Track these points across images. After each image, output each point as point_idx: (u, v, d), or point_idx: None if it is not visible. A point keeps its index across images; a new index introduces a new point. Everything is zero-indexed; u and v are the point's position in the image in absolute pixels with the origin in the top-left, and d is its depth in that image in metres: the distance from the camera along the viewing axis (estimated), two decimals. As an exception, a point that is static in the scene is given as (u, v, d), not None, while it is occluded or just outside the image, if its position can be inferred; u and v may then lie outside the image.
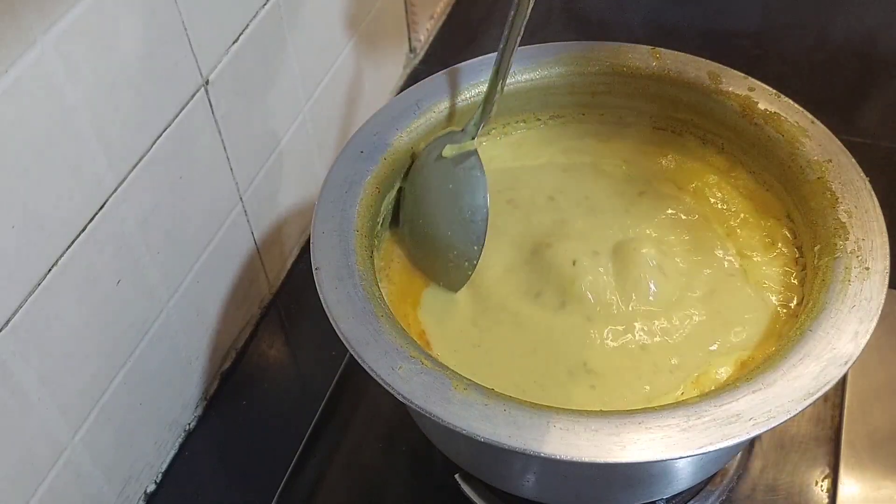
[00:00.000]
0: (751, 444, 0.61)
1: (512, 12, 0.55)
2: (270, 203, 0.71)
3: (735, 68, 0.61)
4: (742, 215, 0.59)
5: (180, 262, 0.61)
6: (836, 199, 0.53)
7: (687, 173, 0.62)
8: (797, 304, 0.54)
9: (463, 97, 0.61)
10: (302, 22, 0.68)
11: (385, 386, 0.46)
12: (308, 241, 0.69)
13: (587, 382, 0.51)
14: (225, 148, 0.62)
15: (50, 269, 0.48)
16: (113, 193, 0.52)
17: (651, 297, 0.55)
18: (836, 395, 0.63)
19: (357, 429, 0.65)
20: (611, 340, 0.53)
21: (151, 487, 0.63)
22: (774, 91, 0.59)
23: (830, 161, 0.55)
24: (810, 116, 0.58)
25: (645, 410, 0.45)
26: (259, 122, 0.66)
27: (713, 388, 0.50)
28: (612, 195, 0.61)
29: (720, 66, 0.61)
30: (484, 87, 0.61)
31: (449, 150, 0.58)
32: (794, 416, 0.44)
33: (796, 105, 0.58)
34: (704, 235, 0.58)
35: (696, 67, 0.61)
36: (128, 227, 0.54)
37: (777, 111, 0.58)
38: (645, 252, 0.56)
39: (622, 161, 0.64)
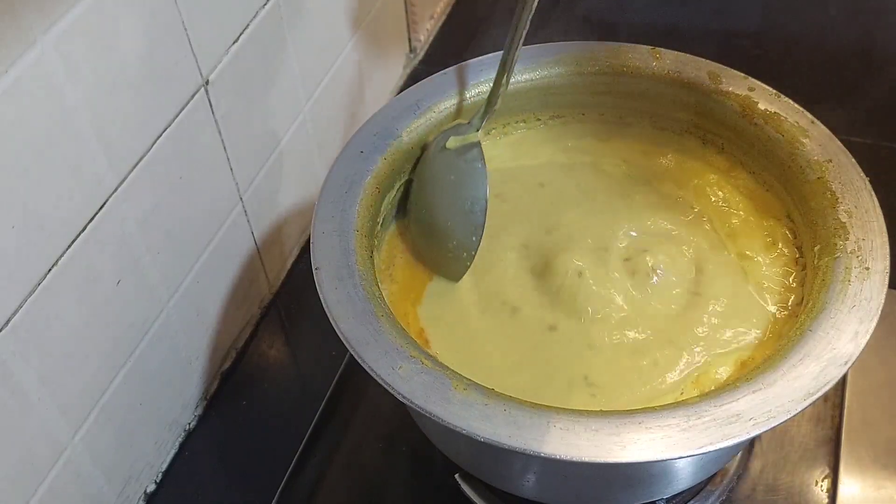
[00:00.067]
0: (751, 444, 0.61)
1: (519, 5, 0.55)
2: (270, 203, 0.71)
3: (735, 68, 0.61)
4: (742, 215, 0.59)
5: (180, 262, 0.61)
6: (836, 199, 0.53)
7: (687, 173, 0.62)
8: (797, 305, 0.54)
9: (463, 96, 0.61)
10: (302, 22, 0.68)
11: (385, 386, 0.46)
12: (308, 241, 0.69)
13: (587, 386, 0.51)
14: (225, 148, 0.62)
15: (50, 269, 0.48)
16: (113, 193, 0.52)
17: (652, 300, 0.55)
18: (836, 395, 0.63)
19: (357, 429, 0.65)
20: (611, 342, 0.53)
21: (151, 487, 0.63)
22: (774, 91, 0.59)
23: (830, 161, 0.55)
24: (810, 116, 0.58)
25: (645, 410, 0.45)
26: (259, 122, 0.66)
27: (713, 388, 0.50)
28: (613, 195, 0.61)
29: (720, 66, 0.61)
30: (485, 87, 0.61)
31: (453, 142, 0.59)
32: (794, 416, 0.44)
33: (796, 105, 0.58)
34: (705, 236, 0.58)
35: (696, 67, 0.61)
36: (128, 227, 0.54)
37: (777, 111, 0.58)
38: (647, 256, 0.56)
39: (622, 161, 0.64)
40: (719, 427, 0.43)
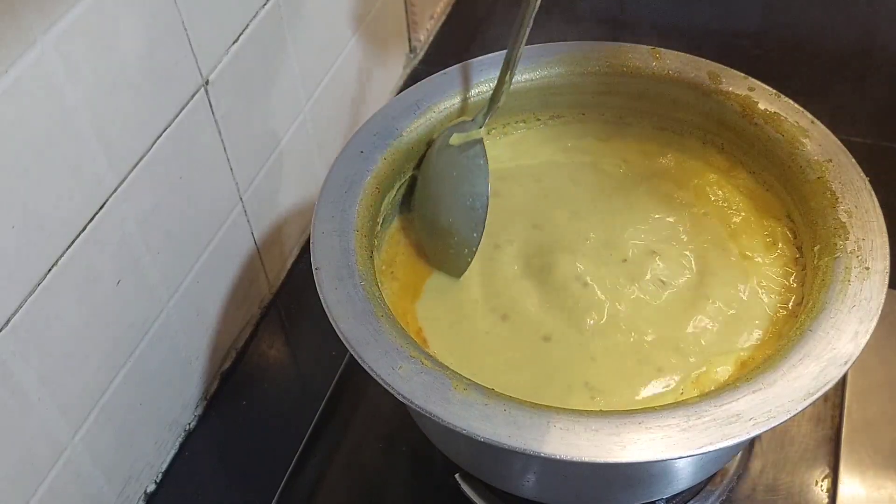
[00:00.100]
0: (751, 444, 0.61)
1: (523, 3, 0.55)
2: (270, 203, 0.71)
3: (735, 68, 0.61)
4: (742, 215, 0.59)
5: (180, 262, 0.61)
6: (836, 199, 0.53)
7: (687, 173, 0.62)
8: (797, 305, 0.54)
9: (467, 94, 0.62)
10: (302, 22, 0.68)
11: (385, 386, 0.46)
12: (308, 241, 0.69)
13: (586, 387, 0.51)
14: (225, 148, 0.62)
15: (50, 269, 0.48)
16: (113, 193, 0.52)
17: (651, 300, 0.55)
18: (836, 395, 0.63)
19: (357, 429, 0.65)
20: (609, 342, 0.53)
21: (151, 487, 0.63)
22: (774, 91, 0.59)
23: (830, 161, 0.55)
24: (810, 116, 0.58)
25: (645, 410, 0.45)
26: (259, 122, 0.66)
27: (713, 388, 0.50)
28: (612, 195, 0.61)
29: (720, 66, 0.61)
30: (489, 85, 0.61)
31: (456, 139, 0.59)
32: (794, 416, 0.44)
33: (796, 105, 0.58)
34: (704, 236, 0.58)
35: (696, 67, 0.61)
36: (128, 227, 0.54)
37: (777, 111, 0.58)
38: (646, 256, 0.56)
39: (622, 161, 0.64)
40: (719, 427, 0.43)
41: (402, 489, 0.63)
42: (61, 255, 0.49)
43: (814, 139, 0.56)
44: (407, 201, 0.61)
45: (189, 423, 0.66)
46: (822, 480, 0.60)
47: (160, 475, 0.64)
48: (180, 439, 0.65)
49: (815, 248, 0.53)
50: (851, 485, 0.59)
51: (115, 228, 0.53)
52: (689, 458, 0.47)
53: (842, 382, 0.63)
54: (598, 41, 0.64)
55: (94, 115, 0.49)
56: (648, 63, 0.62)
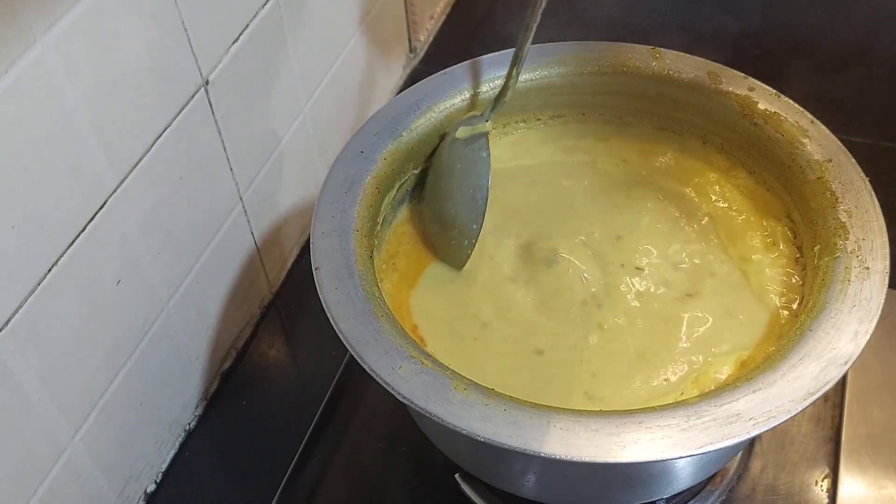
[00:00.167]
0: (751, 444, 0.61)
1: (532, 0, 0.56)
2: (270, 203, 0.71)
3: (735, 68, 0.61)
4: (742, 215, 0.59)
5: (180, 262, 0.61)
6: (836, 199, 0.53)
7: (687, 173, 0.62)
8: (797, 304, 0.54)
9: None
10: (302, 22, 0.68)
11: (385, 386, 0.46)
12: (308, 241, 0.69)
13: (586, 390, 0.51)
14: (225, 148, 0.62)
15: (50, 269, 0.48)
16: (113, 193, 0.52)
17: (650, 300, 0.55)
18: (836, 395, 0.63)
19: (357, 429, 0.65)
20: (608, 342, 0.53)
21: (151, 487, 0.63)
22: (774, 91, 0.59)
23: (830, 161, 0.55)
24: (810, 116, 0.58)
25: (645, 410, 0.45)
26: (259, 122, 0.66)
27: (713, 388, 0.50)
28: (612, 195, 0.61)
29: (720, 66, 0.61)
30: (486, 86, 0.62)
31: (462, 132, 0.60)
32: (794, 416, 0.44)
33: (796, 105, 0.58)
34: (704, 236, 0.58)
35: (696, 67, 0.61)
36: (128, 227, 0.54)
37: (777, 111, 0.58)
38: (646, 256, 0.56)
39: (622, 160, 0.64)
40: (719, 427, 0.43)
41: (402, 489, 0.63)
42: (61, 255, 0.49)
43: (814, 139, 0.56)
44: (418, 192, 0.62)
45: (189, 423, 0.66)
46: (822, 480, 0.60)
47: (160, 475, 0.64)
48: (180, 439, 0.65)
49: (815, 248, 0.53)
50: (851, 485, 0.59)
51: (115, 228, 0.53)
52: (689, 458, 0.47)
53: (842, 382, 0.63)
54: (598, 41, 0.64)
55: (94, 115, 0.49)
56: (648, 63, 0.62)
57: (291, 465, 0.63)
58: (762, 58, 0.89)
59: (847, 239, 0.51)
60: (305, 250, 0.77)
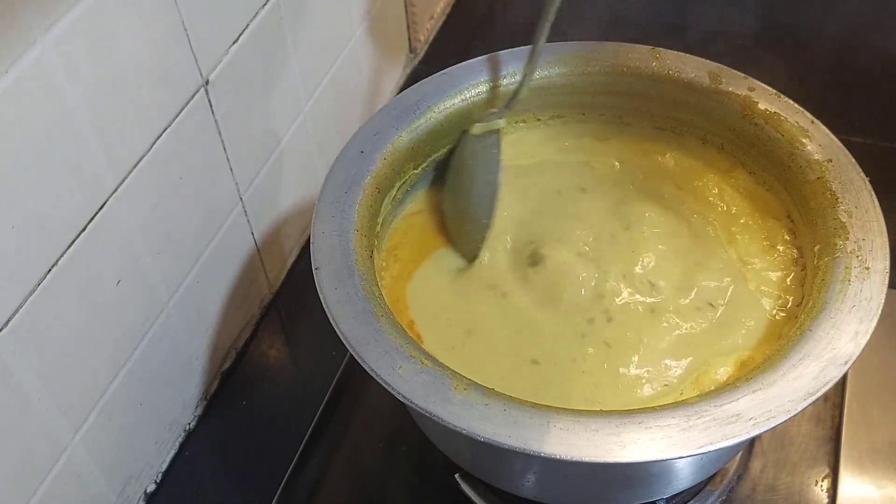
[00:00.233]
0: (751, 444, 0.61)
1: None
2: (270, 203, 0.71)
3: (735, 68, 0.61)
4: (742, 216, 0.59)
5: (180, 262, 0.61)
6: (836, 199, 0.53)
7: (687, 173, 0.62)
8: (797, 305, 0.54)
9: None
10: (302, 22, 0.68)
11: (385, 386, 0.46)
12: (308, 241, 0.69)
13: (584, 389, 0.51)
14: (225, 148, 0.62)
15: (50, 269, 0.48)
16: (113, 193, 0.52)
17: (649, 300, 0.55)
18: (836, 395, 0.63)
19: (357, 429, 0.65)
20: (606, 343, 0.53)
21: (151, 487, 0.63)
22: (774, 91, 0.59)
23: (830, 161, 0.55)
24: (810, 116, 0.58)
25: (645, 410, 0.45)
26: (259, 122, 0.66)
27: (713, 388, 0.50)
28: (611, 195, 0.61)
29: (720, 66, 0.61)
30: (486, 86, 0.62)
31: (477, 129, 0.61)
32: (794, 416, 0.44)
33: (796, 105, 0.58)
34: (704, 236, 0.58)
35: (696, 67, 0.61)
36: (128, 227, 0.54)
37: (777, 111, 0.58)
38: (644, 256, 0.56)
39: (621, 161, 0.64)
40: (719, 427, 0.43)
41: (402, 489, 0.63)
42: (61, 255, 0.49)
43: (814, 139, 0.56)
44: (437, 181, 0.62)
45: (189, 423, 0.66)
46: (822, 480, 0.60)
47: (160, 475, 0.64)
48: (180, 439, 0.65)
49: (815, 249, 0.53)
50: (851, 485, 0.59)
51: (115, 228, 0.53)
52: (689, 458, 0.47)
53: (842, 382, 0.63)
54: (597, 41, 0.64)
55: (94, 115, 0.49)
56: (648, 63, 0.62)
57: (291, 465, 0.63)
58: (762, 58, 0.89)
59: (847, 239, 0.51)
60: (305, 250, 0.77)
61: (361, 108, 0.82)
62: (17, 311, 0.46)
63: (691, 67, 0.61)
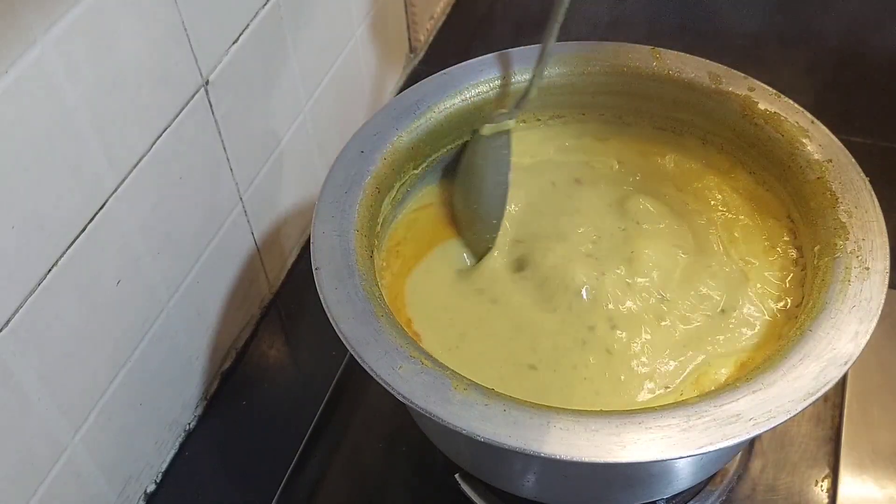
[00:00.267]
0: (751, 444, 0.61)
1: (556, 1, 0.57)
2: (270, 203, 0.71)
3: (735, 68, 0.61)
4: (742, 216, 0.59)
5: (180, 262, 0.61)
6: (836, 199, 0.53)
7: (686, 173, 0.62)
8: (797, 305, 0.54)
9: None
10: (302, 22, 0.68)
11: (385, 386, 0.46)
12: (308, 241, 0.69)
13: (584, 389, 0.51)
14: (225, 148, 0.62)
15: (50, 269, 0.48)
16: (113, 193, 0.52)
17: (649, 301, 0.55)
18: (836, 395, 0.63)
19: (357, 429, 0.65)
20: (605, 343, 0.53)
21: (151, 487, 0.63)
22: (774, 91, 0.59)
23: (830, 161, 0.55)
24: (810, 116, 0.58)
25: (645, 410, 0.45)
26: (259, 122, 0.66)
27: (713, 388, 0.50)
28: (611, 195, 0.61)
29: (720, 66, 0.61)
30: (486, 86, 0.62)
31: (487, 129, 0.61)
32: (794, 416, 0.44)
33: (796, 105, 0.58)
34: (703, 236, 0.58)
35: (696, 67, 0.61)
36: (128, 227, 0.54)
37: (777, 111, 0.58)
38: (644, 256, 0.56)
39: (621, 161, 0.64)
40: (719, 427, 0.43)
41: (402, 489, 0.63)
42: (61, 256, 0.49)
43: (814, 139, 0.56)
44: (443, 178, 0.63)
45: (189, 423, 0.66)
46: (822, 480, 0.60)
47: (160, 475, 0.64)
48: (180, 439, 0.65)
49: (815, 249, 0.53)
50: (851, 485, 0.59)
51: (115, 228, 0.53)
52: (689, 458, 0.47)
53: (842, 382, 0.63)
54: (597, 41, 0.64)
55: (94, 115, 0.49)
56: (648, 63, 0.62)
57: (291, 465, 0.63)
58: (762, 58, 0.89)
59: (847, 239, 0.51)
60: (305, 250, 0.77)
61: (361, 108, 0.82)
62: (17, 311, 0.46)
63: (691, 67, 0.61)
